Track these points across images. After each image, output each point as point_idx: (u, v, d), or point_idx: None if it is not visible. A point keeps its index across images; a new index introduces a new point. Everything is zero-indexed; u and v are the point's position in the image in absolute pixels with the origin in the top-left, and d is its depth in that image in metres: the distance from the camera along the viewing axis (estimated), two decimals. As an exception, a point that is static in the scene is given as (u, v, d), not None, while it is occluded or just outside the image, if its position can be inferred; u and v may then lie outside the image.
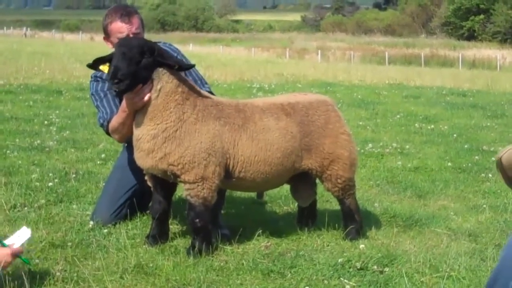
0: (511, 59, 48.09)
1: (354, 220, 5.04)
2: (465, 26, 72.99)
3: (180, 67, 4.45)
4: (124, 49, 4.27)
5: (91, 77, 5.25)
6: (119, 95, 4.70)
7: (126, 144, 5.31)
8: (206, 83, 5.23)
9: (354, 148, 5.03)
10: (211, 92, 5.05)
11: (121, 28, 4.92)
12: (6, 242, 3.75)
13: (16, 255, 3.72)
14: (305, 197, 5.19)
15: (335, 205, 5.45)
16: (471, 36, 71.13)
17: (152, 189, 4.78)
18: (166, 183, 4.67)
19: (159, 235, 4.76)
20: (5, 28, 66.61)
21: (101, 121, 5.05)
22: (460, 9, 73.74)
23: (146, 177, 4.76)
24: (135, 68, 4.25)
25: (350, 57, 48.41)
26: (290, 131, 4.70)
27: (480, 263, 4.51)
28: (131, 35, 4.87)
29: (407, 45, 61.16)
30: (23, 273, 3.90)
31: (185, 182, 4.48)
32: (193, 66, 4.68)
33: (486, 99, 15.75)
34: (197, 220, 4.53)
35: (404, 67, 35.87)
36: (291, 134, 4.70)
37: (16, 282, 3.83)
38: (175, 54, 5.08)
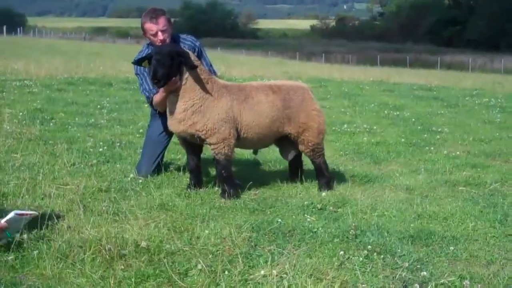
0: (480, 63, 48.03)
1: (324, 176, 5.47)
2: (444, 35, 72.55)
3: (191, 67, 4.93)
4: (159, 57, 4.78)
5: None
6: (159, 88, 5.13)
7: (157, 115, 5.70)
8: (213, 68, 5.69)
9: (322, 121, 5.43)
10: (215, 72, 5.57)
11: (151, 27, 5.40)
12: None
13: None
14: (289, 152, 5.59)
15: (310, 167, 5.76)
16: (450, 43, 70.82)
17: (185, 150, 5.33)
18: (195, 145, 5.19)
19: (196, 184, 5.24)
20: (68, 33, 66.99)
21: (146, 93, 5.53)
22: (441, 20, 73.39)
23: (179, 142, 5.30)
24: (168, 70, 4.79)
25: (348, 60, 48.43)
26: (276, 104, 5.22)
27: (408, 207, 4.84)
28: (159, 32, 5.34)
29: (396, 50, 60.83)
30: (79, 206, 4.28)
31: (210, 144, 5.02)
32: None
33: (447, 93, 15.55)
34: (223, 171, 5.05)
35: (390, 68, 35.50)
36: (276, 106, 5.22)
37: (72, 214, 4.20)
38: (194, 44, 5.58)
